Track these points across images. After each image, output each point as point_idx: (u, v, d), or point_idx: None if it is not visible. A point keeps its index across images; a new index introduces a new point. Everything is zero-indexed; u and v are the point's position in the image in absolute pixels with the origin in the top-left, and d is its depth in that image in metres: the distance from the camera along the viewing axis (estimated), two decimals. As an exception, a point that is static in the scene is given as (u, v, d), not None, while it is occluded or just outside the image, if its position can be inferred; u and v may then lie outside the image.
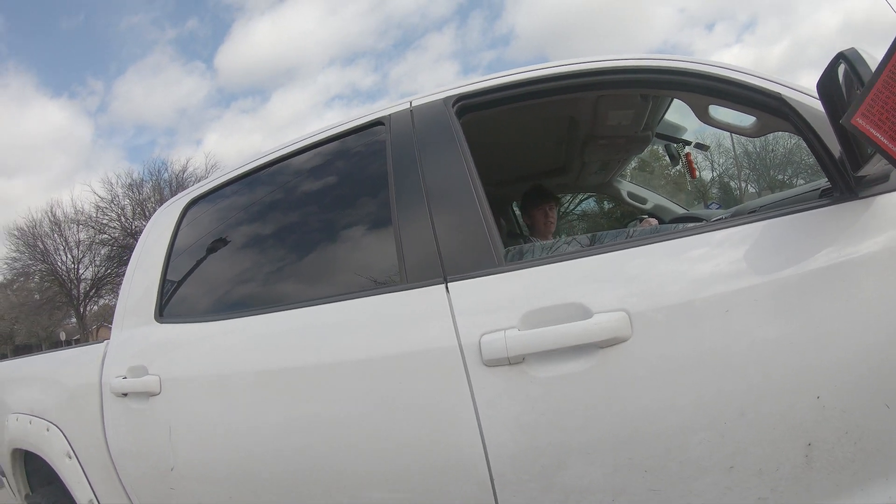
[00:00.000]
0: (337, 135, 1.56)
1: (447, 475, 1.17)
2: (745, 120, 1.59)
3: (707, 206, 4.79)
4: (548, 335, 1.12)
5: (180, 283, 1.72)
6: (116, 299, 1.93)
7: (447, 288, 1.23)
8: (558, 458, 1.11)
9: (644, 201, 3.17)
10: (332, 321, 1.34)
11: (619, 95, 2.06)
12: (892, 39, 0.89)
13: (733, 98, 1.33)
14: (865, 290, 1.07)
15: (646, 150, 2.85)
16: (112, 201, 25.18)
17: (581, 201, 5.26)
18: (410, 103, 1.49)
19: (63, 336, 28.76)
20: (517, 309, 1.16)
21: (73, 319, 28.46)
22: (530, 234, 2.84)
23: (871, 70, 0.97)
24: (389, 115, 1.49)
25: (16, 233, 25.48)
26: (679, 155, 2.70)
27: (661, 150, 2.89)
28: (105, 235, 25.42)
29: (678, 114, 2.38)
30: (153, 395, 1.49)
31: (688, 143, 2.65)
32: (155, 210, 2.10)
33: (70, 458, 1.67)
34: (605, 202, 4.84)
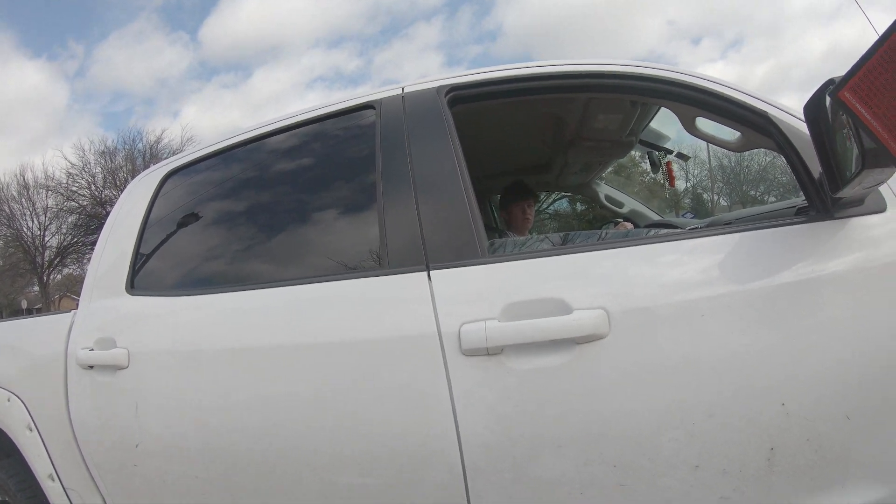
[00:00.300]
0: (326, 115, 1.55)
1: (419, 461, 1.18)
2: (731, 134, 1.63)
3: (681, 215, 4.88)
4: (527, 328, 1.14)
5: (154, 255, 1.67)
6: (81, 269, 1.88)
7: (429, 276, 1.24)
8: (531, 449, 1.13)
9: (621, 205, 3.21)
10: (310, 301, 1.33)
11: (610, 99, 2.08)
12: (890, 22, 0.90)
13: (721, 112, 1.35)
14: (834, 307, 1.12)
15: (626, 156, 2.89)
16: (83, 168, 24.37)
17: (554, 201, 5.31)
18: (402, 89, 1.48)
19: (24, 304, 27.82)
20: (498, 300, 1.17)
21: (36, 288, 27.51)
22: (507, 228, 2.86)
23: None
24: (380, 99, 1.48)
25: (-19, 195, 24.52)
26: (660, 163, 2.75)
27: (639, 156, 2.93)
28: (73, 203, 24.58)
29: (662, 122, 2.43)
30: (121, 368, 1.45)
31: (669, 151, 2.70)
32: (127, 180, 2.05)
33: (31, 430, 1.62)
34: (579, 203, 4.90)
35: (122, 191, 1.90)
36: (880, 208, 1.17)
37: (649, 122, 2.40)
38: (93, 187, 24.42)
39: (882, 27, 0.93)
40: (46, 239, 25.23)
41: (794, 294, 1.11)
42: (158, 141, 25.22)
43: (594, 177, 3.12)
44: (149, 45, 45.57)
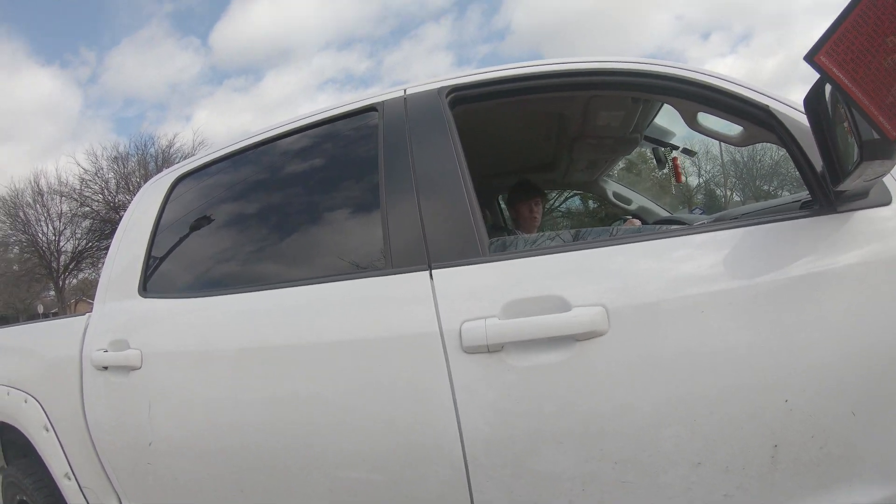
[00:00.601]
0: (330, 118, 1.57)
1: (423, 457, 1.20)
2: (732, 129, 1.62)
3: (691, 212, 4.85)
4: (527, 325, 1.15)
5: (166, 258, 1.71)
6: (96, 273, 1.92)
7: (431, 275, 1.25)
8: (531, 445, 1.14)
9: (629, 202, 3.20)
10: (316, 302, 1.35)
11: (611, 97, 2.08)
12: None
13: (722, 107, 1.35)
14: (837, 301, 1.10)
15: (633, 152, 2.88)
16: (96, 174, 24.65)
17: (566, 199, 5.29)
18: (404, 91, 1.50)
19: (41, 309, 28.21)
20: (499, 298, 1.19)
21: (52, 292, 27.86)
22: (515, 227, 2.86)
23: None
24: (383, 101, 1.50)
25: (-3, 201, 24.92)
26: (666, 159, 2.74)
27: (648, 152, 2.92)
28: (87, 208, 24.89)
29: (667, 118, 2.42)
30: (134, 369, 1.49)
31: (675, 147, 2.69)
32: (140, 185, 2.09)
33: (47, 430, 1.66)
34: (591, 201, 4.87)
35: (134, 195, 1.94)
36: (885, 201, 1.15)
37: (653, 118, 2.39)
38: (106, 192, 24.71)
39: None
40: (61, 244, 25.57)
41: (796, 289, 1.11)
42: (170, 145, 25.43)
43: (601, 174, 3.11)
44: (160, 50, 46.21)
